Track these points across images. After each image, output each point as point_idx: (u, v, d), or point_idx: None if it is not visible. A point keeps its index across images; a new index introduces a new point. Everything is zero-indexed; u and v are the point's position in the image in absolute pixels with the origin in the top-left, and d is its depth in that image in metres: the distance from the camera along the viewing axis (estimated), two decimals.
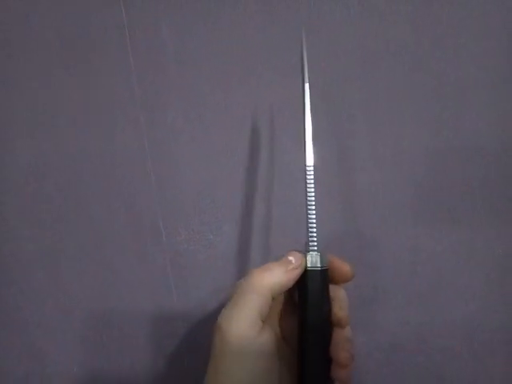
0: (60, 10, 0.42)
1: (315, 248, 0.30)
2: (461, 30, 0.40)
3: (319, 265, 0.30)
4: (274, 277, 0.29)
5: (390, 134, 0.41)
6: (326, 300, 0.30)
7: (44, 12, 0.42)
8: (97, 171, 0.44)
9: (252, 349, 0.27)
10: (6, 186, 0.44)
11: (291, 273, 0.29)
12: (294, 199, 0.42)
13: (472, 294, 0.42)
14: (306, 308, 0.29)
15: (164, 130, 0.43)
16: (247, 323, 0.27)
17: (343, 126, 0.42)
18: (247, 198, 0.43)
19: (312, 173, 0.31)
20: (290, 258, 0.30)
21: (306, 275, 0.30)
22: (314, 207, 0.31)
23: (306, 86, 0.31)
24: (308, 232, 0.30)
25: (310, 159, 0.31)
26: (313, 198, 0.31)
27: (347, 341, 0.29)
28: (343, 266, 0.31)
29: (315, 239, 0.30)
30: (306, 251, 0.30)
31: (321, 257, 0.30)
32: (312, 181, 0.31)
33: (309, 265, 0.30)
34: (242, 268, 0.43)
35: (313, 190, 0.31)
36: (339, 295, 0.31)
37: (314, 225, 0.30)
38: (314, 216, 0.30)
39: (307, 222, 0.31)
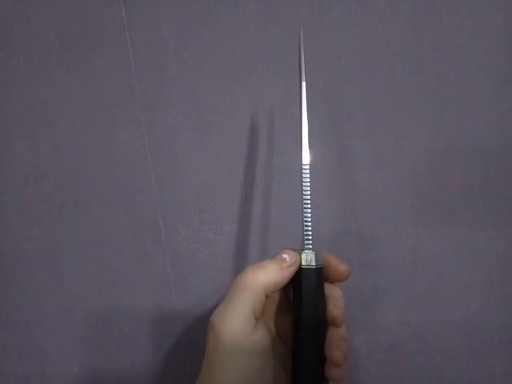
0: (60, 10, 0.42)
1: (310, 246, 0.30)
2: (461, 30, 0.40)
3: (314, 263, 0.30)
4: (268, 274, 0.29)
5: (390, 133, 0.41)
6: (320, 298, 0.30)
7: (44, 12, 0.42)
8: (97, 171, 0.44)
9: (245, 346, 0.27)
10: (6, 186, 0.44)
11: (285, 270, 0.29)
12: (293, 199, 0.42)
13: (472, 294, 0.42)
14: (301, 306, 0.29)
15: (164, 129, 0.43)
16: (240, 320, 0.27)
17: (343, 125, 0.42)
18: (247, 197, 0.43)
19: (308, 171, 0.31)
20: (285, 255, 0.30)
21: (300, 273, 0.30)
22: (309, 206, 0.31)
23: (303, 84, 0.31)
24: (303, 230, 0.31)
25: (306, 158, 0.31)
26: (308, 197, 0.31)
27: (342, 340, 0.29)
28: (339, 265, 0.31)
29: (310, 238, 0.30)
30: (301, 249, 0.30)
31: (316, 255, 0.30)
32: (308, 179, 0.31)
33: (303, 263, 0.30)
34: (242, 267, 0.43)
35: (309, 188, 0.31)
36: (334, 294, 0.31)
37: (310, 223, 0.30)
38: (309, 215, 0.31)
39: (303, 220, 0.31)
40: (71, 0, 0.42)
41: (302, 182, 0.31)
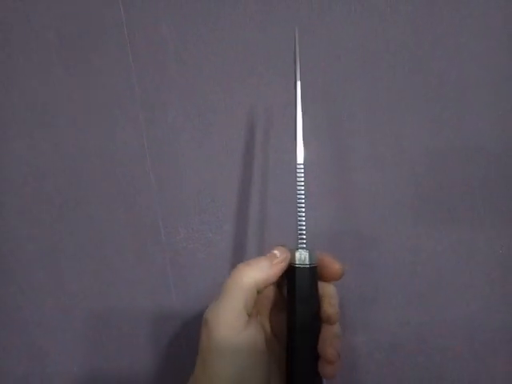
0: (59, 10, 0.42)
1: (304, 246, 0.31)
2: (461, 30, 0.40)
3: (308, 262, 0.30)
4: (259, 271, 0.29)
5: (390, 133, 0.41)
6: (314, 297, 0.30)
7: (44, 11, 0.42)
8: (96, 171, 0.44)
9: (238, 341, 0.27)
10: (6, 186, 0.44)
11: (276, 266, 0.30)
12: (294, 198, 0.42)
13: (473, 294, 0.42)
14: (295, 305, 0.30)
15: (164, 129, 0.43)
16: (232, 316, 0.28)
17: (344, 125, 0.42)
18: (247, 197, 0.43)
19: (302, 171, 0.31)
20: (275, 252, 0.30)
21: (294, 272, 0.30)
22: (303, 205, 0.31)
23: (298, 83, 0.32)
24: (297, 230, 0.31)
25: (300, 157, 0.31)
26: (303, 196, 0.31)
27: (335, 337, 0.29)
28: (333, 264, 0.31)
29: (304, 237, 0.31)
30: (295, 248, 0.31)
31: (309, 254, 0.30)
32: (302, 179, 0.31)
33: (297, 262, 0.30)
34: None
35: (303, 188, 0.31)
36: (329, 292, 0.31)
37: (304, 223, 0.31)
38: (303, 214, 0.31)
39: (297, 219, 0.31)
40: (71, 0, 0.42)
41: (297, 181, 0.31)
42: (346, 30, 0.41)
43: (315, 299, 0.30)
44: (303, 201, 0.31)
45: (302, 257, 0.30)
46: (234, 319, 0.28)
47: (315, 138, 0.42)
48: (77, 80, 0.43)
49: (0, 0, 0.42)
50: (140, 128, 0.43)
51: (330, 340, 0.29)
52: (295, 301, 0.30)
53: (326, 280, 0.31)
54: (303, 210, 0.31)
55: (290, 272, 0.30)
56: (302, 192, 0.31)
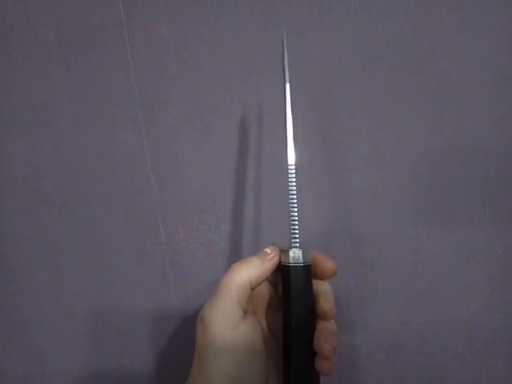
0: (59, 10, 0.42)
1: (297, 245, 0.31)
2: (461, 29, 0.40)
3: (301, 261, 0.30)
4: (252, 268, 0.30)
5: (390, 133, 0.41)
6: (308, 295, 0.31)
7: (43, 11, 0.43)
8: (96, 170, 0.44)
9: (234, 338, 0.28)
10: (6, 186, 0.44)
11: (267, 263, 0.31)
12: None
13: (473, 294, 0.42)
14: (290, 303, 0.30)
15: (164, 129, 0.43)
16: (227, 313, 0.28)
17: (344, 125, 0.42)
18: (247, 197, 0.43)
19: (294, 172, 0.32)
20: (266, 249, 0.31)
21: (288, 271, 0.31)
22: (296, 205, 0.31)
23: (287, 86, 0.32)
24: (290, 229, 0.31)
25: (291, 158, 0.32)
26: (295, 197, 0.31)
27: (331, 333, 0.30)
28: (326, 263, 0.31)
29: (297, 236, 0.31)
30: (289, 248, 0.31)
31: (303, 253, 0.31)
32: (294, 179, 0.32)
33: (291, 261, 0.31)
34: None
35: (295, 188, 0.32)
36: (324, 289, 0.31)
37: (296, 222, 0.31)
38: (296, 214, 0.31)
39: (290, 219, 0.31)
40: None
41: (288, 182, 0.32)
42: (345, 30, 0.41)
43: (310, 297, 0.31)
44: (295, 201, 0.31)
45: (295, 256, 0.31)
46: (229, 316, 0.28)
47: (316, 138, 0.42)
48: (77, 80, 0.43)
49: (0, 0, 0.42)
50: (140, 128, 0.43)
51: (326, 336, 0.29)
52: (290, 299, 0.30)
53: (319, 278, 0.32)
54: (295, 209, 0.31)
55: (285, 271, 0.31)
56: (294, 192, 0.32)
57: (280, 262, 0.32)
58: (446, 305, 0.42)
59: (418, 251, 0.42)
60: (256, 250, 0.43)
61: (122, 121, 0.43)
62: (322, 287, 0.31)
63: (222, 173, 0.43)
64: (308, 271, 0.31)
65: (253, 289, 0.30)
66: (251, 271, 0.30)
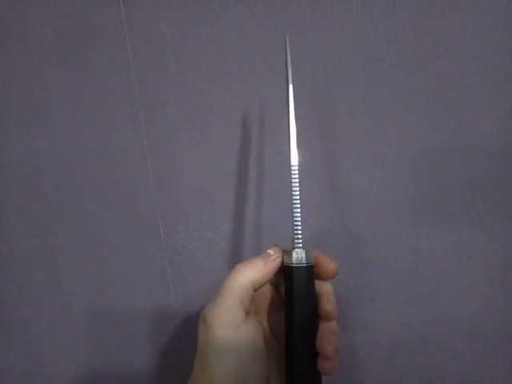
0: (58, 8, 0.42)
1: (300, 245, 0.31)
2: (462, 29, 0.40)
3: (304, 261, 0.30)
4: (255, 269, 0.30)
5: (390, 132, 0.41)
6: (311, 295, 0.31)
7: (42, 10, 0.42)
8: (95, 170, 0.44)
9: (236, 339, 0.28)
10: (4, 185, 0.44)
11: (270, 264, 0.31)
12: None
13: (473, 294, 0.42)
14: (293, 303, 0.30)
15: (163, 128, 0.43)
16: (229, 314, 0.28)
17: (345, 124, 0.42)
18: (246, 197, 0.43)
19: (297, 172, 0.32)
20: (269, 251, 0.32)
21: (291, 272, 0.30)
22: (298, 206, 0.31)
23: (290, 87, 0.32)
24: (293, 230, 0.31)
25: (294, 159, 0.32)
26: (298, 197, 0.32)
27: (333, 334, 0.30)
28: (328, 264, 0.31)
29: (300, 237, 0.31)
30: (291, 248, 0.31)
31: (306, 253, 0.31)
32: (297, 180, 0.32)
33: (294, 262, 0.31)
34: None
35: (297, 188, 0.32)
36: (326, 289, 0.31)
37: (299, 222, 0.31)
38: (298, 214, 0.31)
39: (292, 219, 0.31)
40: None
41: (291, 182, 0.32)
42: (347, 29, 0.40)
43: (312, 297, 0.31)
44: (298, 202, 0.31)
45: (298, 256, 0.31)
46: (231, 316, 0.28)
47: (316, 138, 0.42)
48: (76, 79, 0.43)
49: None
50: (139, 127, 0.43)
51: (328, 337, 0.29)
52: (293, 300, 0.30)
53: (321, 278, 0.32)
54: (298, 210, 0.31)
55: (288, 272, 0.31)
56: (297, 193, 0.32)
57: (283, 263, 0.32)
58: (446, 305, 0.42)
59: (417, 251, 0.42)
60: (256, 250, 0.43)
61: (121, 120, 0.43)
62: (324, 288, 0.31)
63: (221, 173, 0.43)
64: (311, 272, 0.31)
65: (255, 290, 0.30)
66: (254, 272, 0.30)
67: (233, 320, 0.28)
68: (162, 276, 0.44)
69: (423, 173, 0.41)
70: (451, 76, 0.40)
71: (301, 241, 0.31)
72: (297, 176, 0.32)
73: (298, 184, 0.31)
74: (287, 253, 0.31)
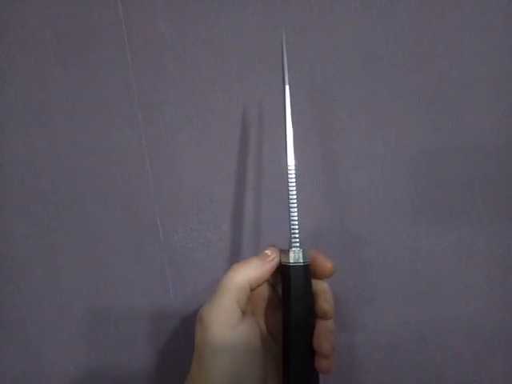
0: (57, 8, 0.42)
1: (297, 244, 0.31)
2: (461, 29, 0.39)
3: (301, 260, 0.31)
4: (252, 269, 0.30)
5: (389, 132, 0.41)
6: (308, 294, 0.31)
7: (41, 9, 0.42)
8: (94, 169, 0.44)
9: (232, 337, 0.28)
10: (3, 185, 0.44)
11: (267, 264, 0.31)
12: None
13: (472, 293, 0.42)
14: (290, 302, 0.30)
15: (162, 128, 0.43)
16: (226, 312, 0.28)
17: (343, 124, 0.42)
18: (245, 196, 0.43)
19: (293, 172, 0.32)
20: (267, 251, 0.32)
21: (288, 271, 0.31)
22: (295, 204, 0.32)
23: (287, 87, 0.32)
24: (290, 229, 0.31)
25: (291, 160, 0.32)
26: (295, 196, 0.32)
27: (330, 332, 0.30)
28: (325, 263, 0.32)
29: (297, 236, 0.31)
30: (288, 247, 0.31)
31: (303, 253, 0.31)
32: (294, 180, 0.32)
33: (291, 261, 0.31)
34: None
35: (294, 188, 0.32)
36: (323, 288, 0.32)
37: (296, 222, 0.31)
38: (295, 213, 0.32)
39: (289, 219, 0.32)
40: None
41: (288, 182, 0.32)
42: (345, 29, 0.40)
43: (310, 296, 0.31)
44: (295, 201, 0.32)
45: (295, 255, 0.31)
46: (228, 316, 0.28)
47: (315, 137, 0.42)
48: (74, 79, 0.43)
49: None
50: (138, 127, 0.43)
51: (325, 335, 0.29)
52: (290, 298, 0.30)
53: (318, 278, 0.32)
54: (295, 209, 0.32)
55: (285, 271, 0.31)
56: (294, 192, 0.32)
57: (280, 262, 0.32)
58: (445, 304, 0.42)
59: (416, 250, 0.42)
60: (255, 250, 0.43)
61: (120, 120, 0.43)
62: (321, 287, 0.32)
63: (220, 172, 0.43)
64: (308, 271, 0.31)
65: (252, 290, 0.30)
66: (251, 272, 0.30)
67: (229, 320, 0.28)
68: (160, 276, 0.44)
69: (422, 172, 0.41)
70: (450, 75, 0.40)
71: (298, 240, 0.31)
72: (293, 175, 0.32)
73: (294, 183, 0.32)
74: (284, 252, 0.31)
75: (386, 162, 0.42)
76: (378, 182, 0.42)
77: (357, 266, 0.43)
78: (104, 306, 0.44)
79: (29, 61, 0.43)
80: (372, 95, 0.41)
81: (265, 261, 0.31)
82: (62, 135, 0.44)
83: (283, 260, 0.31)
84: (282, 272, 0.31)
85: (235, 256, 0.43)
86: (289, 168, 0.32)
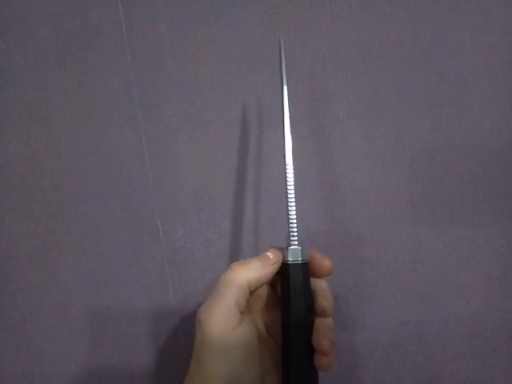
0: (56, 7, 0.42)
1: (296, 243, 0.31)
2: (462, 27, 0.39)
3: (300, 258, 0.31)
4: (251, 271, 0.30)
5: (390, 131, 0.41)
6: (307, 292, 0.31)
7: (40, 9, 0.42)
8: (94, 169, 0.44)
9: (231, 338, 0.28)
10: (3, 184, 0.44)
11: (268, 268, 0.30)
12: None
13: (473, 293, 0.42)
14: (289, 300, 0.30)
15: (162, 127, 0.43)
16: (225, 314, 0.28)
17: (343, 123, 0.42)
18: (245, 196, 0.43)
19: (291, 171, 0.32)
20: (269, 253, 0.31)
21: (287, 269, 0.31)
22: (294, 202, 0.32)
23: (285, 88, 0.32)
24: (289, 227, 0.31)
25: (289, 158, 0.32)
26: (293, 193, 0.32)
27: (329, 329, 0.30)
28: (323, 261, 0.31)
29: (296, 234, 0.31)
30: (287, 246, 0.31)
31: (302, 251, 0.31)
32: (292, 178, 0.32)
33: (290, 259, 0.31)
34: None
35: (293, 186, 0.32)
36: (322, 286, 0.32)
37: (295, 220, 0.31)
38: (294, 210, 0.31)
39: (288, 217, 0.31)
40: None
41: (286, 179, 0.32)
42: (345, 27, 0.40)
43: (309, 294, 0.31)
44: (293, 198, 0.32)
45: (294, 253, 0.31)
46: (227, 317, 0.28)
47: (315, 136, 0.42)
48: (74, 78, 0.43)
49: None
50: (138, 127, 0.43)
51: (324, 333, 0.29)
52: (290, 297, 0.30)
53: (316, 276, 0.32)
54: (294, 207, 0.31)
55: (284, 269, 0.31)
56: (292, 190, 0.32)
57: None
58: (446, 304, 0.42)
59: (417, 250, 0.42)
60: (255, 250, 0.43)
61: (119, 119, 0.43)
62: (320, 284, 0.31)
63: (219, 172, 0.43)
64: (307, 269, 0.31)
65: (252, 292, 0.30)
66: (250, 273, 0.30)
67: (228, 321, 0.28)
68: (160, 275, 0.44)
69: (423, 171, 0.41)
70: (450, 74, 0.40)
71: (296, 238, 0.31)
72: (292, 175, 0.32)
73: (292, 180, 0.32)
74: (283, 250, 0.31)
75: (387, 162, 0.42)
76: (379, 181, 0.42)
77: (357, 266, 0.42)
78: (104, 305, 0.44)
79: (28, 60, 0.43)
80: (372, 94, 0.41)
81: (265, 263, 0.30)
82: (61, 135, 0.43)
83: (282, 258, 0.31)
84: (281, 270, 0.31)
85: (235, 255, 0.43)
86: (287, 165, 0.32)
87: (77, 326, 0.45)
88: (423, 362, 0.43)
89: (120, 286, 0.44)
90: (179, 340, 0.44)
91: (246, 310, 0.30)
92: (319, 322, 0.30)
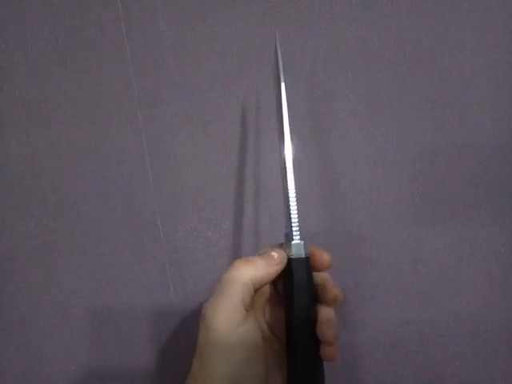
0: (56, 6, 0.42)
1: (298, 237, 0.31)
2: (463, 26, 0.39)
3: (303, 253, 0.31)
4: (255, 269, 0.30)
5: (390, 130, 0.41)
6: (311, 286, 0.31)
7: (40, 7, 0.42)
8: (94, 169, 0.43)
9: (236, 336, 0.28)
10: (2, 184, 0.44)
11: (272, 268, 0.30)
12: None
13: (474, 293, 0.42)
14: (293, 295, 0.30)
15: (162, 126, 0.43)
16: (231, 311, 0.28)
17: (344, 122, 0.41)
18: (246, 195, 0.43)
19: (291, 168, 0.32)
20: (273, 253, 0.31)
21: (290, 264, 0.31)
22: (294, 197, 0.31)
23: (282, 85, 0.32)
24: (291, 222, 0.31)
25: (288, 157, 0.32)
26: (293, 189, 0.32)
27: (331, 321, 0.30)
28: (322, 255, 0.32)
29: (298, 229, 0.31)
30: (289, 240, 0.31)
31: (304, 245, 0.31)
32: (291, 173, 0.32)
33: (293, 253, 0.31)
34: None
35: (293, 180, 0.32)
36: (325, 276, 0.32)
37: (296, 214, 0.31)
38: (295, 206, 0.31)
39: (289, 212, 0.31)
40: None
41: (286, 175, 0.32)
42: (346, 26, 0.40)
43: (312, 288, 0.31)
44: (294, 193, 0.31)
45: (297, 248, 0.31)
46: (232, 314, 0.28)
47: (316, 136, 0.42)
48: (74, 77, 0.43)
49: None
50: (138, 126, 0.43)
51: (327, 323, 0.29)
52: (293, 291, 0.30)
53: (316, 270, 0.32)
54: (294, 201, 0.31)
55: (287, 264, 0.31)
56: (292, 184, 0.32)
57: None
58: (446, 303, 0.42)
59: (418, 250, 0.42)
60: (255, 249, 0.43)
61: (119, 119, 0.43)
62: (323, 276, 0.32)
63: (220, 171, 0.43)
64: (308, 263, 0.31)
65: (256, 290, 0.30)
66: (254, 272, 0.29)
67: (234, 319, 0.28)
68: (161, 275, 0.44)
69: (424, 171, 0.41)
70: (451, 73, 0.40)
71: (299, 232, 0.31)
72: (291, 171, 0.32)
73: (292, 175, 0.32)
74: (286, 245, 0.31)
75: (387, 161, 0.41)
76: (379, 180, 0.42)
77: (358, 266, 0.42)
78: (104, 305, 0.44)
79: (28, 59, 0.43)
80: (373, 93, 0.41)
81: (270, 263, 0.30)
82: (61, 134, 0.43)
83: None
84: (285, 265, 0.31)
85: (235, 255, 0.43)
86: (287, 166, 0.32)
87: (77, 326, 0.44)
88: (424, 362, 0.43)
89: (121, 285, 0.44)
90: (180, 340, 0.44)
91: (250, 307, 0.30)
92: (322, 315, 0.30)
